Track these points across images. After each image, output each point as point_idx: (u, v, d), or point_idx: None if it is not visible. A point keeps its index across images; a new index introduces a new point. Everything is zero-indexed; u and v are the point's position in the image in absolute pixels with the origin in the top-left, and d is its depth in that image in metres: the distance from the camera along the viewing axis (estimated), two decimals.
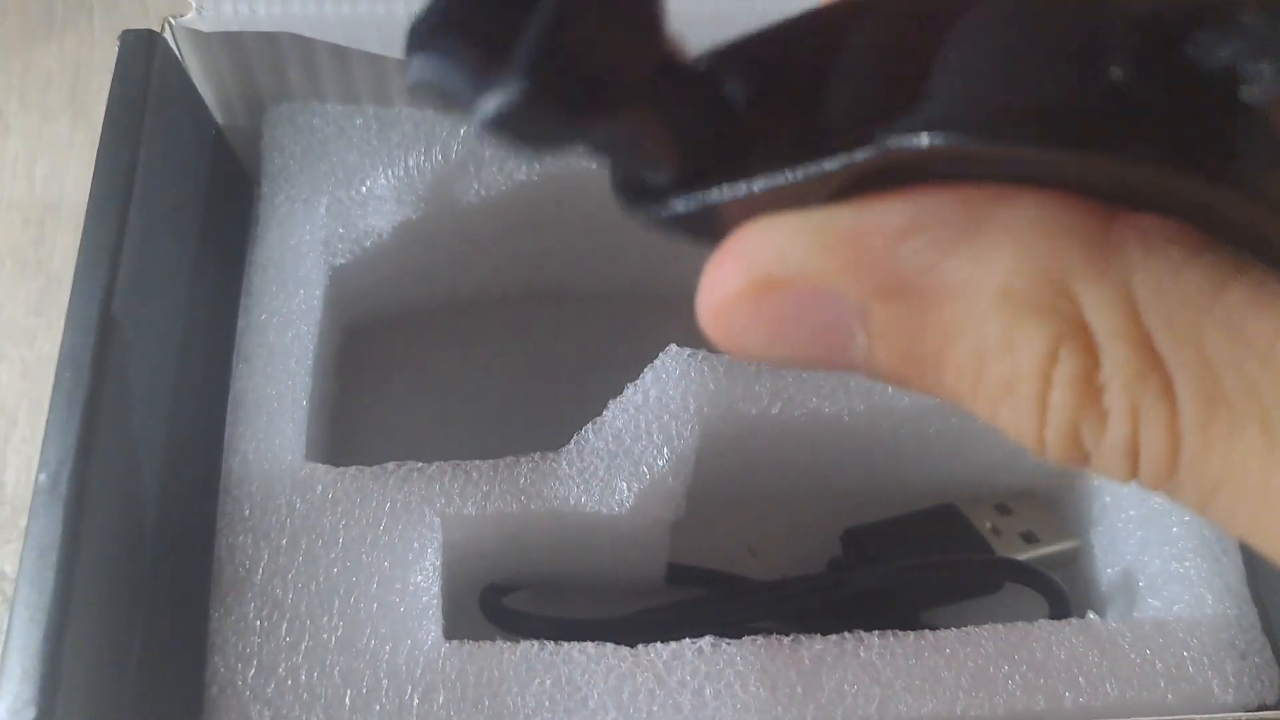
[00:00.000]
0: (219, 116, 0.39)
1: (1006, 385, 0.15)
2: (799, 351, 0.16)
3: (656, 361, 0.35)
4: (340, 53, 0.37)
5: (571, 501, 0.34)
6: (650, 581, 0.37)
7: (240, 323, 0.35)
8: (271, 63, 0.37)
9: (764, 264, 0.16)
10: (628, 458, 0.34)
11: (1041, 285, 0.14)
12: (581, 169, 0.39)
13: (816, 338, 0.16)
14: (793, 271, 0.15)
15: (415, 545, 0.32)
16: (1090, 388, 0.14)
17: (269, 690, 0.30)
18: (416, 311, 0.42)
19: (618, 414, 0.35)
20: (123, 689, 0.29)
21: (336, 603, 0.31)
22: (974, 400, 0.15)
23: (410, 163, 0.38)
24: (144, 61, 0.35)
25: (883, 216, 0.15)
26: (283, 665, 0.30)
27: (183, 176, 0.36)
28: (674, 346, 0.36)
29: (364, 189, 0.37)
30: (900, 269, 0.15)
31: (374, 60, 0.37)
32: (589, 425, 0.35)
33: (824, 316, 0.15)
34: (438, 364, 0.42)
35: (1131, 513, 0.37)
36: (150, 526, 0.31)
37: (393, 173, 0.38)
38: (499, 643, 0.31)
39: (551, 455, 0.34)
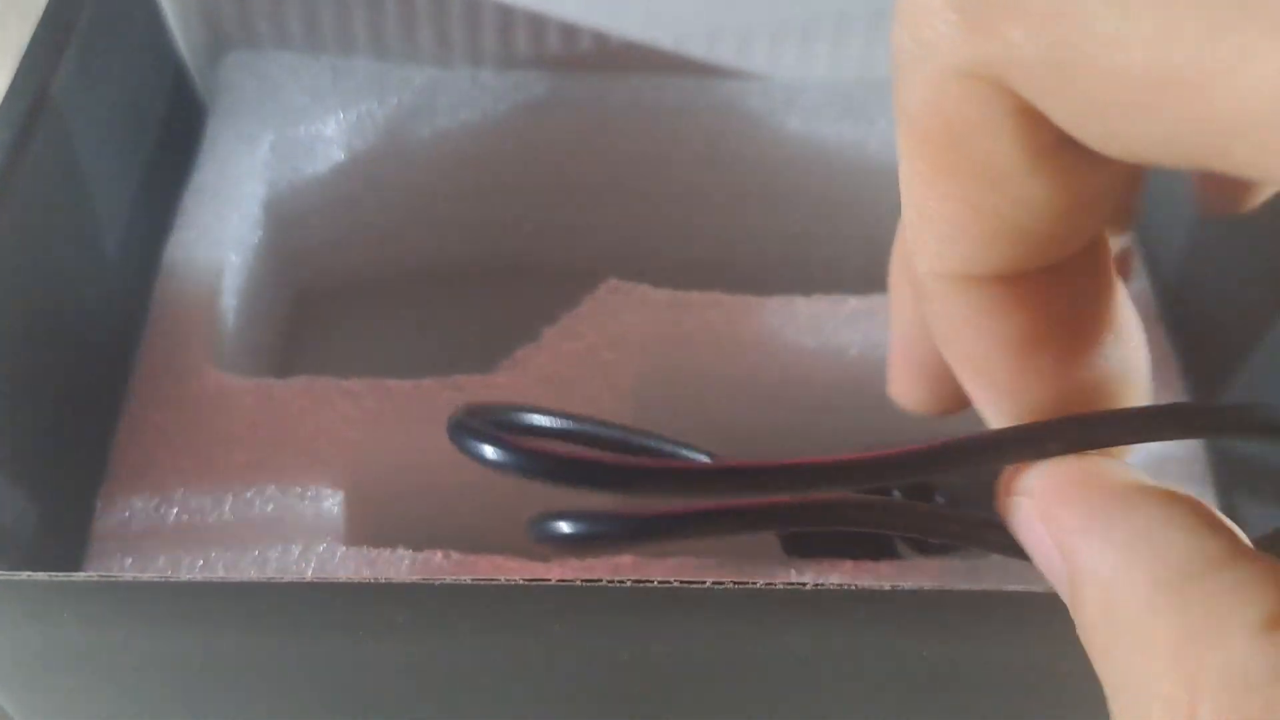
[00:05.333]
0: (185, 51, 0.39)
1: None
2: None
3: (594, 294, 0.34)
4: None
5: None
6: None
7: (170, 239, 0.34)
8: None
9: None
10: (564, 382, 0.32)
11: None
12: (545, 125, 0.39)
13: None
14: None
15: (321, 453, 0.30)
16: None
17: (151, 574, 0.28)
18: (373, 278, 0.42)
19: (552, 341, 0.33)
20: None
21: (229, 500, 0.29)
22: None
23: (363, 108, 0.38)
24: None
25: None
26: (163, 556, 0.28)
27: (130, 93, 0.35)
28: (612, 280, 0.34)
29: (312, 130, 0.37)
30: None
31: None
32: (521, 352, 0.33)
33: None
34: (390, 333, 0.41)
35: None
36: (51, 406, 0.29)
37: (343, 116, 0.37)
38: (399, 550, 0.29)
39: (478, 379, 0.33)
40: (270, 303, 0.38)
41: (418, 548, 0.30)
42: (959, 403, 0.23)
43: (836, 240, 0.42)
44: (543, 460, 0.17)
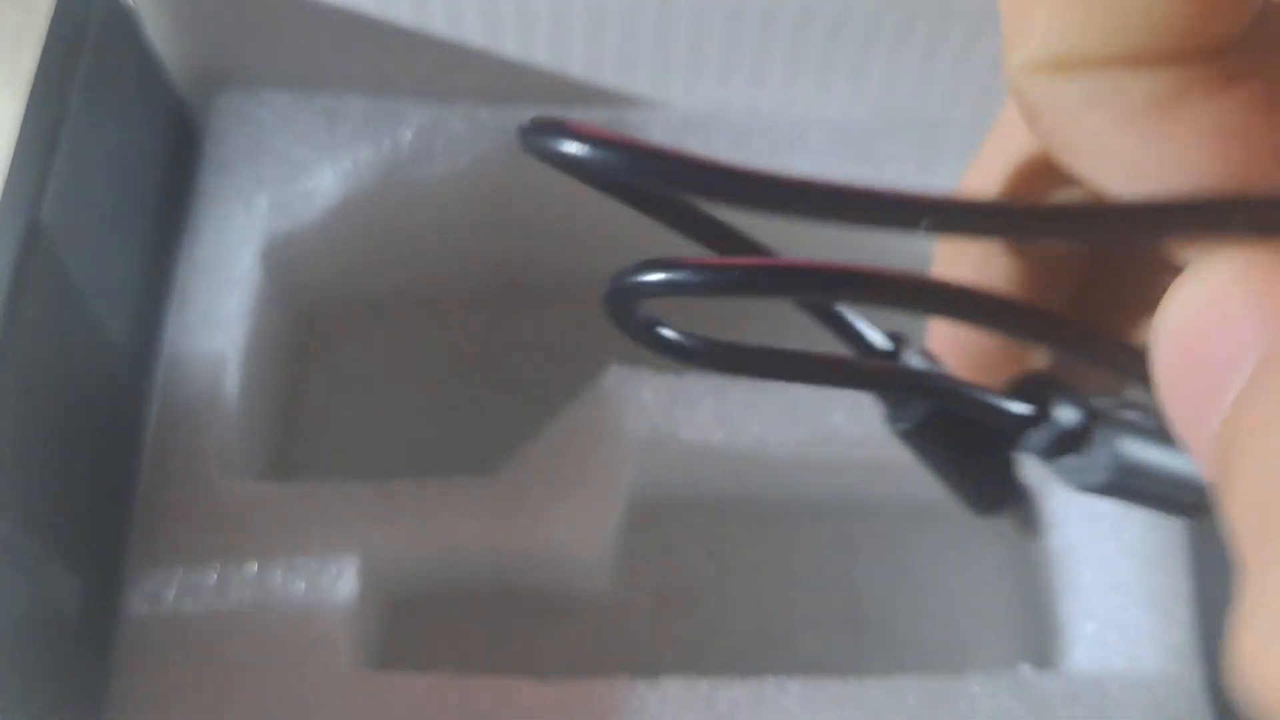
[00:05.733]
0: (178, 81, 0.37)
1: None
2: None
3: (596, 383, 0.34)
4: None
5: (500, 527, 0.33)
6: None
7: (171, 329, 0.34)
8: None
9: None
10: (562, 482, 0.33)
11: None
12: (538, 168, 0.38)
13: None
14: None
15: (332, 570, 0.32)
16: None
17: (172, 710, 0.30)
18: (377, 302, 0.42)
19: (553, 437, 0.34)
20: (22, 695, 0.29)
21: (247, 626, 0.31)
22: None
23: (360, 156, 0.37)
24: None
25: None
26: (190, 684, 0.30)
27: (130, 139, 0.35)
28: (615, 367, 0.35)
29: (309, 185, 0.36)
30: None
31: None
32: (522, 448, 0.34)
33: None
34: (396, 356, 0.42)
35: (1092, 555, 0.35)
36: (62, 542, 0.31)
37: (339, 164, 0.37)
38: (408, 674, 0.31)
39: (481, 479, 0.34)
40: (267, 348, 0.38)
41: (426, 660, 0.32)
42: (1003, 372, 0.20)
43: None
44: (648, 155, 0.13)
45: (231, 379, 0.34)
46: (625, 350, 0.36)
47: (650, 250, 0.44)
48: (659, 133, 0.38)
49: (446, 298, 0.42)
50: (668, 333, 0.16)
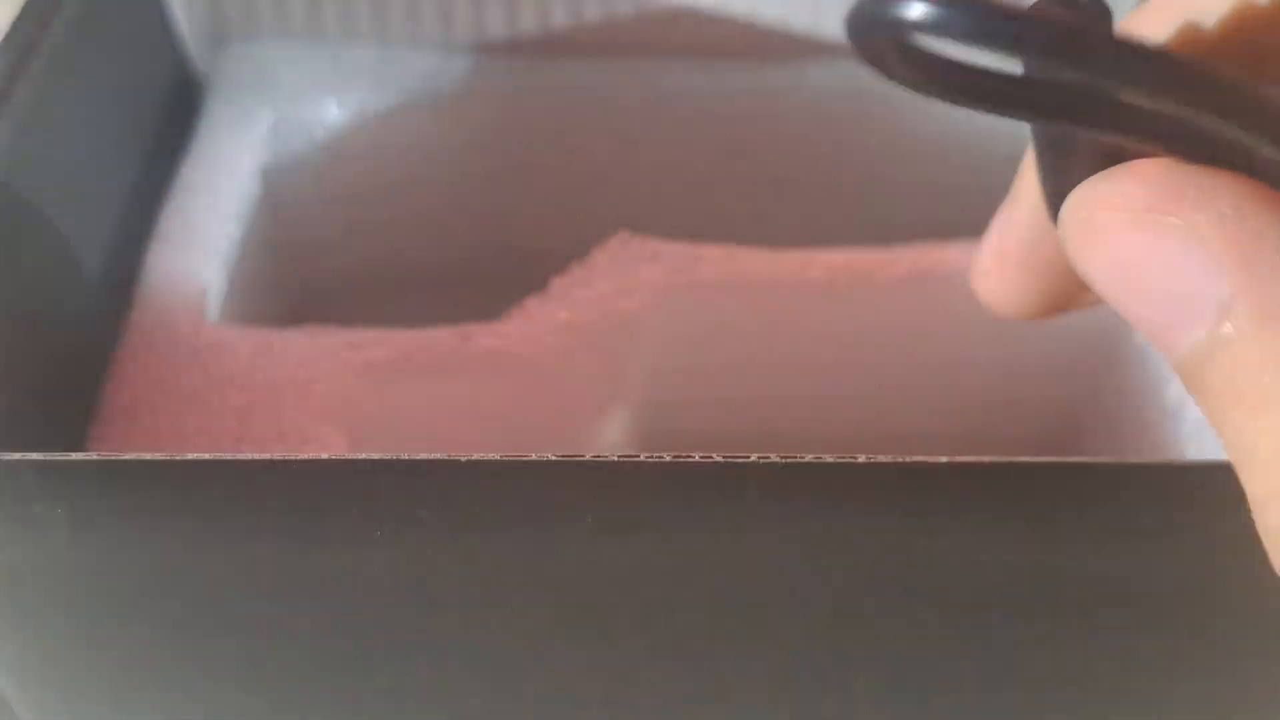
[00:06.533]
0: (186, 35, 0.38)
1: None
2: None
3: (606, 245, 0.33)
4: None
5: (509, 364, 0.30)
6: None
7: (165, 208, 0.33)
8: None
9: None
10: (577, 330, 0.31)
11: None
12: (552, 111, 0.38)
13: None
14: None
15: (322, 402, 0.29)
16: None
17: None
18: (379, 274, 0.40)
19: (564, 288, 0.32)
20: None
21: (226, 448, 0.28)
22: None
23: (365, 93, 0.37)
24: None
25: None
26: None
27: (127, 75, 0.35)
28: (625, 234, 0.33)
29: (313, 114, 0.36)
30: None
31: None
32: (531, 299, 0.32)
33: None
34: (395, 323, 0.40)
35: None
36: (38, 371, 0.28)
37: (344, 100, 0.37)
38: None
39: (490, 324, 0.31)
40: (269, 299, 0.37)
41: None
42: (1059, 306, 0.20)
43: (849, 228, 0.41)
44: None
45: (212, 307, 0.32)
46: None
47: (654, 218, 0.44)
48: (663, 84, 0.38)
49: (446, 269, 0.40)
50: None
